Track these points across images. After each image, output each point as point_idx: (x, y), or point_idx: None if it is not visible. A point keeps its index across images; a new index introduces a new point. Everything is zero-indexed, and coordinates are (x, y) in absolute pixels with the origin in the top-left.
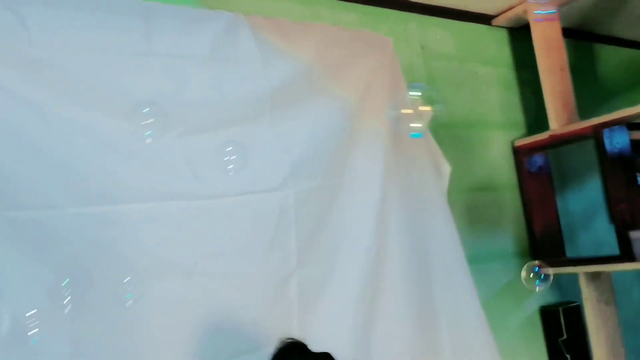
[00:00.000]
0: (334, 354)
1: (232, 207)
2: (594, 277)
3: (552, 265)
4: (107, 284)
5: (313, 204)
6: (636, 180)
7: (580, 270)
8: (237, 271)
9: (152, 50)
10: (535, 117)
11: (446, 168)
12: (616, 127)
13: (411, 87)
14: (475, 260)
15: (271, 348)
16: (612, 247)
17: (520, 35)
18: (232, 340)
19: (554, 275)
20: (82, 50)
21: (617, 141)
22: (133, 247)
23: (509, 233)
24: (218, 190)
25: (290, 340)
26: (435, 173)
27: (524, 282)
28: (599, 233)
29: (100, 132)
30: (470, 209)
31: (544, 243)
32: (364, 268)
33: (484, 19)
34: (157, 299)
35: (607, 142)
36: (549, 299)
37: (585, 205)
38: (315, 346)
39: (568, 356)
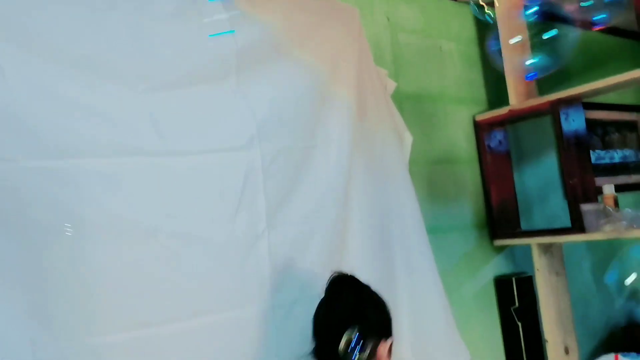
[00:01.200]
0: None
1: (196, 166)
2: (546, 248)
3: (508, 237)
4: (62, 241)
5: (283, 165)
6: (589, 157)
7: (534, 241)
8: (203, 232)
9: (115, 5)
10: (497, 93)
11: (408, 138)
12: (573, 105)
13: None
14: (434, 230)
15: (243, 309)
16: (564, 220)
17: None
18: (198, 300)
19: (510, 247)
20: (43, 3)
21: (573, 118)
22: (90, 204)
23: (467, 205)
24: (181, 148)
25: (340, 274)
26: (397, 142)
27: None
28: (553, 207)
29: (58, 86)
30: (431, 180)
31: (501, 216)
32: (333, 230)
33: None
34: (115, 259)
35: (563, 119)
36: (504, 270)
37: (541, 181)
38: (286, 308)
39: (519, 324)
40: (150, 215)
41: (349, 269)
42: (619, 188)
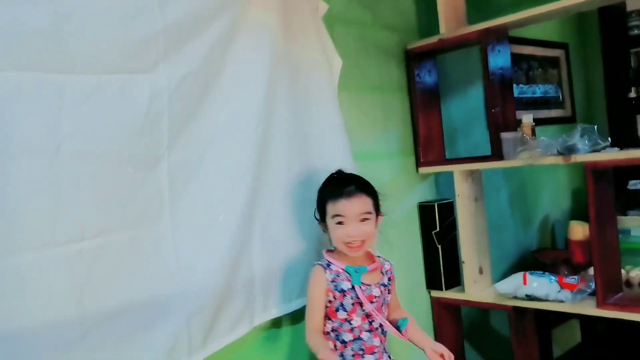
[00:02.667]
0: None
1: (98, 85)
2: (467, 175)
3: (433, 164)
4: None
5: (189, 90)
6: (512, 89)
7: (456, 169)
8: (106, 150)
9: None
10: (428, 22)
11: (338, 62)
12: (500, 38)
13: None
14: (361, 157)
15: (144, 229)
16: (486, 149)
17: None
18: (99, 216)
19: (434, 174)
20: None
21: (499, 50)
22: None
23: (394, 134)
24: (83, 66)
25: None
26: (326, 67)
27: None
28: (476, 138)
29: None
30: (360, 107)
31: (427, 144)
32: (242, 155)
33: None
34: (16, 178)
35: (489, 49)
36: (427, 196)
37: (466, 112)
38: (185, 229)
39: (439, 247)
40: (52, 132)
41: (267, 201)
42: (539, 122)
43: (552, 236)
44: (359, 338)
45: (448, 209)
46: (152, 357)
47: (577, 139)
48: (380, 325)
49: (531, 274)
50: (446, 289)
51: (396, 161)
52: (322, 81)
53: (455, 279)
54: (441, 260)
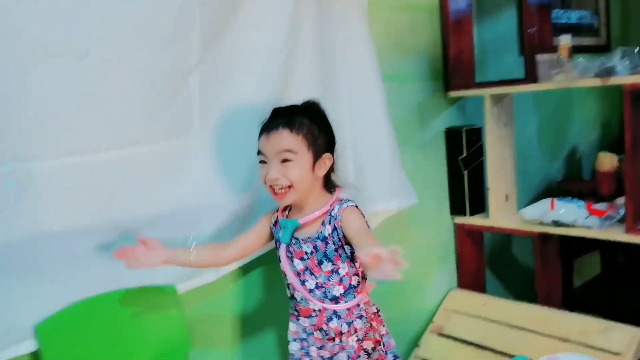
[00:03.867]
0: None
1: None
2: (497, 99)
3: (462, 88)
4: None
5: (219, 2)
6: (549, 10)
7: (487, 92)
8: (135, 59)
9: None
10: None
11: None
12: None
13: None
14: (389, 79)
15: (172, 141)
16: (517, 75)
17: None
18: (126, 128)
19: (463, 98)
20: None
21: None
22: (16, 27)
23: (424, 56)
24: None
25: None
26: None
27: None
28: (507, 62)
29: None
30: (389, 27)
31: (457, 68)
32: (272, 71)
33: None
34: (45, 82)
35: None
36: (455, 122)
37: (499, 35)
38: (214, 142)
39: (465, 173)
40: (80, 38)
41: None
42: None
43: (579, 167)
44: (293, 297)
45: (475, 135)
46: (181, 267)
47: (617, 61)
48: (319, 286)
49: (559, 199)
50: (470, 215)
51: (424, 84)
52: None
53: (479, 206)
54: (466, 187)
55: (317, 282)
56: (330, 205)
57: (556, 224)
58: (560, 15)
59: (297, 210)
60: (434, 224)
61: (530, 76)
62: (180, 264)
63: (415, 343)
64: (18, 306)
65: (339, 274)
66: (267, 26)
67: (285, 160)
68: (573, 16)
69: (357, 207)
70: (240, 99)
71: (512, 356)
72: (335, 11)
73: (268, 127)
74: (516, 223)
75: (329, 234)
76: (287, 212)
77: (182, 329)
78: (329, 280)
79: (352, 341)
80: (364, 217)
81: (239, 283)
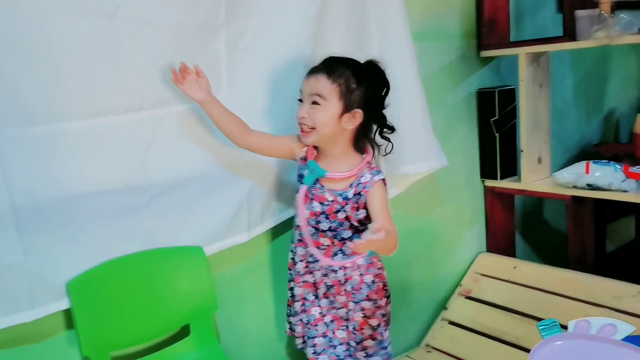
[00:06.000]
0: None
1: None
2: (533, 58)
3: (496, 47)
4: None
5: None
6: None
7: (522, 51)
8: (164, 19)
9: None
10: None
11: None
12: None
13: None
14: (420, 37)
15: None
16: (555, 33)
17: None
18: (158, 87)
19: (496, 59)
20: None
21: None
22: None
23: (457, 13)
24: None
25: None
26: None
27: None
28: (544, 19)
29: None
30: None
31: (491, 26)
32: (304, 27)
33: None
34: (71, 41)
35: None
36: (487, 83)
37: None
38: (242, 101)
39: (497, 135)
40: None
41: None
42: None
43: (616, 130)
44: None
45: (509, 96)
46: (214, 228)
47: None
48: (332, 230)
49: (595, 162)
50: (501, 178)
51: (457, 43)
52: None
53: (511, 169)
54: (498, 149)
55: (330, 226)
56: (359, 169)
57: (591, 187)
58: None
59: (322, 156)
60: (464, 186)
61: (569, 33)
62: (209, 113)
63: (443, 305)
64: (54, 264)
65: (350, 221)
66: None
67: (315, 103)
68: None
69: (384, 180)
70: (270, 56)
71: (541, 319)
72: None
73: (312, 70)
74: (549, 186)
75: (352, 196)
76: (316, 153)
77: (209, 289)
78: (341, 226)
79: (355, 274)
80: (386, 191)
81: (268, 248)
